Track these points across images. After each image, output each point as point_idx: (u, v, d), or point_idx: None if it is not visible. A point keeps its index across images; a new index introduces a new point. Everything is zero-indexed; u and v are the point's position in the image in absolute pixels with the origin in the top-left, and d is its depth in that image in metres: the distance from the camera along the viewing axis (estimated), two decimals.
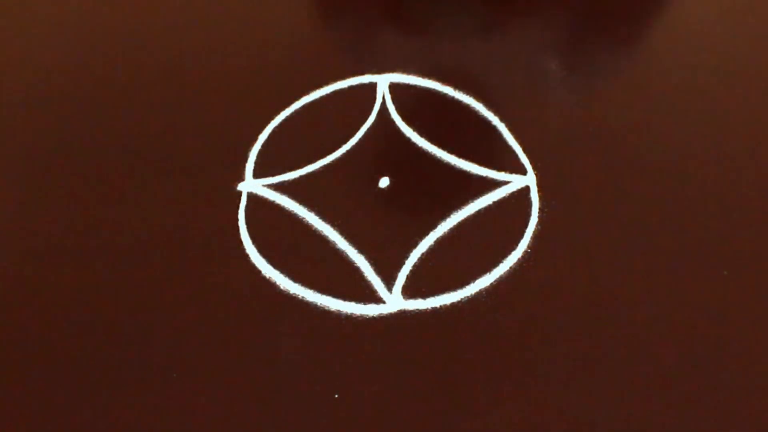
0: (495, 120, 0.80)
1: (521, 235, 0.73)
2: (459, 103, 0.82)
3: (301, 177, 0.78)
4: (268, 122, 0.81)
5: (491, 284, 0.70)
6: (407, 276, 0.71)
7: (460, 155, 0.78)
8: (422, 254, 0.72)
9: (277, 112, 0.82)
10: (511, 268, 0.71)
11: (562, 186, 0.76)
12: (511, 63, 0.86)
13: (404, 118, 0.81)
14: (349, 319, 0.70)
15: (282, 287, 0.71)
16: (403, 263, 0.72)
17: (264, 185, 0.77)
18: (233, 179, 0.78)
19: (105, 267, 0.73)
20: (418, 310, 0.70)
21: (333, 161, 0.78)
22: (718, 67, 0.83)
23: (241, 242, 0.74)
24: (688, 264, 0.70)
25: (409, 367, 0.67)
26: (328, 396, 0.66)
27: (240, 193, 0.77)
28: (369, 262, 0.72)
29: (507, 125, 0.80)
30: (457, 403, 0.65)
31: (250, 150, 0.79)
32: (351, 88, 0.83)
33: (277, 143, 0.80)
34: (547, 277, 0.70)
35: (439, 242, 0.73)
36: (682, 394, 0.64)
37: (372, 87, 0.83)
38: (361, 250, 0.73)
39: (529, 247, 0.72)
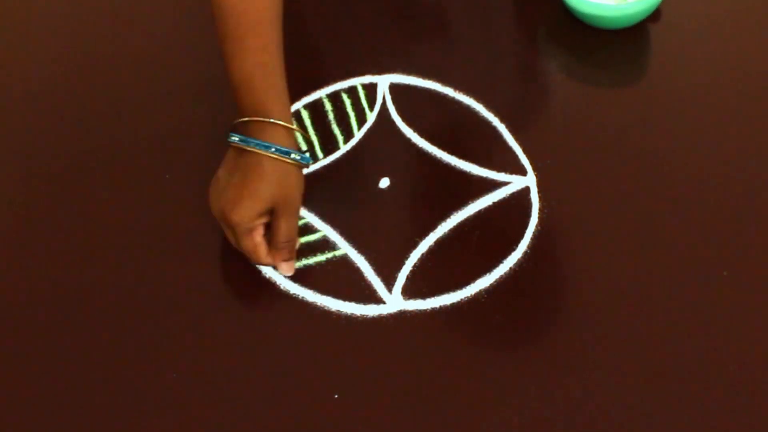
0: (495, 121, 0.80)
1: (521, 236, 0.73)
2: (459, 103, 0.82)
3: None
4: None
5: (491, 284, 0.70)
6: (407, 276, 0.71)
7: (460, 156, 0.78)
8: (422, 255, 0.72)
9: None
10: (511, 268, 0.71)
11: (562, 186, 0.76)
12: (511, 64, 0.86)
13: (404, 119, 0.81)
14: (349, 319, 0.69)
15: (282, 287, 0.71)
16: (403, 263, 0.72)
17: None
18: None
19: (105, 266, 0.73)
20: (418, 310, 0.69)
21: (333, 161, 0.78)
22: (717, 68, 0.83)
23: None
24: (688, 264, 0.70)
25: (409, 367, 0.67)
26: (328, 396, 0.65)
27: None
28: (369, 262, 0.72)
29: (507, 126, 0.80)
30: (457, 402, 0.65)
31: None
32: (351, 88, 0.83)
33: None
34: (547, 277, 0.70)
35: (439, 243, 0.73)
36: (682, 393, 0.64)
37: (372, 87, 0.83)
38: (361, 250, 0.73)
39: (529, 247, 0.72)
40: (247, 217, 0.67)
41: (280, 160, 0.68)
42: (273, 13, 0.72)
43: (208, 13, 0.91)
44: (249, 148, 0.67)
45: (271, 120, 0.68)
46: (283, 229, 0.69)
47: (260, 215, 0.68)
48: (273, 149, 0.67)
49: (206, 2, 0.92)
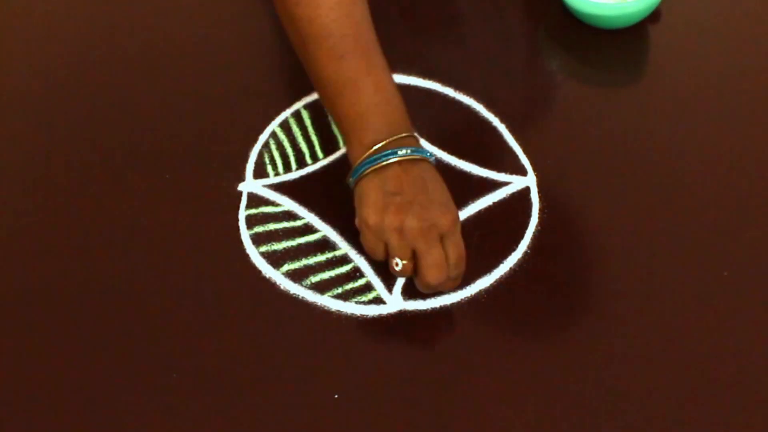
0: (495, 121, 0.80)
1: (521, 236, 0.73)
2: (460, 104, 0.82)
3: (301, 177, 0.78)
4: (268, 123, 0.81)
5: (491, 284, 0.70)
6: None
7: (460, 156, 0.78)
8: None
9: (278, 113, 0.82)
10: (511, 268, 0.71)
11: (562, 187, 0.76)
12: (511, 64, 0.86)
13: None
14: (349, 319, 0.69)
15: (282, 287, 0.71)
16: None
17: (264, 185, 0.77)
18: (233, 179, 0.78)
19: (104, 266, 0.73)
20: (418, 310, 0.69)
21: (333, 161, 0.78)
22: (717, 68, 0.83)
23: (241, 242, 0.74)
24: (689, 264, 0.70)
25: (409, 367, 0.67)
26: (328, 396, 0.65)
27: (240, 193, 0.77)
28: (369, 262, 0.72)
29: (508, 126, 0.80)
30: (457, 402, 0.65)
31: (250, 150, 0.79)
32: None
33: (277, 143, 0.80)
34: (547, 277, 0.70)
35: None
36: (682, 392, 0.64)
37: None
38: (361, 250, 0.73)
39: (529, 247, 0.72)
40: (457, 213, 0.66)
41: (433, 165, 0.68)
42: (371, 25, 0.71)
43: (211, 14, 0.91)
44: (422, 157, 0.67)
45: (413, 134, 0.69)
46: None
47: None
48: (434, 158, 0.69)
49: (211, 3, 0.92)
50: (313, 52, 0.69)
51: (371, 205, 0.65)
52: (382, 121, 0.68)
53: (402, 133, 0.67)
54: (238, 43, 0.88)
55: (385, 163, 0.65)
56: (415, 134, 0.69)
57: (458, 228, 0.66)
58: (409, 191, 0.65)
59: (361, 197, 0.66)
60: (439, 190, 0.66)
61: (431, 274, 0.65)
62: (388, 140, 0.66)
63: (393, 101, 0.69)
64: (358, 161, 0.67)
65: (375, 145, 0.66)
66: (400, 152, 0.66)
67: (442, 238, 0.65)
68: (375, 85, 0.68)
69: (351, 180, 0.68)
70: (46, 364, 0.69)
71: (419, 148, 0.67)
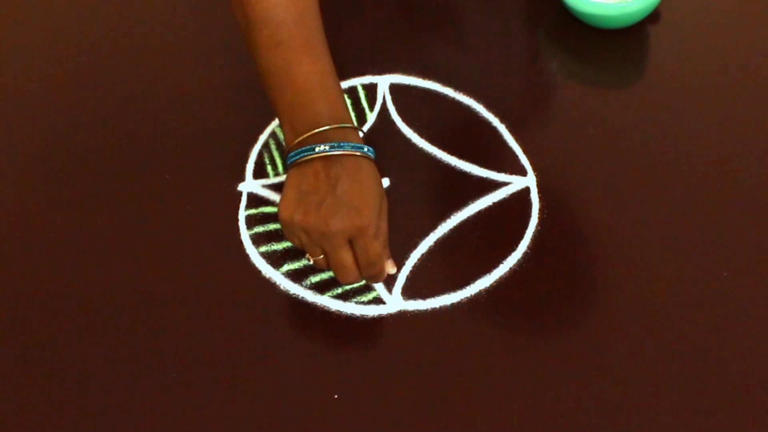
0: (495, 121, 0.80)
1: (521, 236, 0.73)
2: (459, 104, 0.82)
3: None
4: (268, 123, 0.81)
5: (491, 285, 0.70)
6: (407, 277, 0.71)
7: (460, 156, 0.78)
8: (422, 255, 0.72)
9: None
10: (511, 268, 0.71)
11: (562, 187, 0.76)
12: (511, 64, 0.86)
13: (404, 119, 0.81)
14: (350, 319, 0.69)
15: (282, 287, 0.71)
16: (403, 264, 0.72)
17: (264, 185, 0.77)
18: (233, 179, 0.78)
19: (105, 266, 0.73)
20: (417, 310, 0.70)
21: None
22: (718, 69, 0.83)
23: (241, 242, 0.74)
24: (688, 265, 0.70)
25: (409, 367, 0.67)
26: (328, 396, 0.66)
27: (240, 193, 0.77)
28: None
29: (507, 126, 0.80)
30: (457, 403, 0.65)
31: (250, 150, 0.79)
32: (351, 88, 0.83)
33: (277, 143, 0.80)
34: (546, 278, 0.70)
35: (439, 243, 0.73)
36: (682, 393, 0.64)
37: (372, 87, 0.83)
38: None
39: (529, 247, 0.72)
40: (375, 217, 0.64)
41: (369, 158, 0.66)
42: (318, 15, 0.70)
43: (212, 14, 0.91)
44: (345, 153, 0.65)
45: (349, 125, 0.67)
46: (386, 227, 0.67)
47: (380, 215, 0.66)
48: (365, 149, 0.66)
49: (210, 4, 0.92)
50: (254, 38, 0.68)
51: (286, 200, 0.65)
52: (310, 113, 0.66)
53: (333, 124, 0.65)
54: (238, 42, 0.88)
55: (306, 158, 0.65)
56: (352, 125, 0.67)
57: (369, 232, 0.64)
58: (321, 191, 0.63)
59: (283, 188, 0.66)
60: (352, 191, 0.64)
61: (338, 275, 0.66)
62: (309, 133, 0.65)
63: (324, 92, 0.67)
64: (286, 152, 0.67)
65: (300, 137, 0.65)
66: (317, 149, 0.64)
67: (352, 241, 0.64)
68: (305, 76, 0.67)
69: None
70: (46, 363, 0.69)
71: (343, 143, 0.65)
